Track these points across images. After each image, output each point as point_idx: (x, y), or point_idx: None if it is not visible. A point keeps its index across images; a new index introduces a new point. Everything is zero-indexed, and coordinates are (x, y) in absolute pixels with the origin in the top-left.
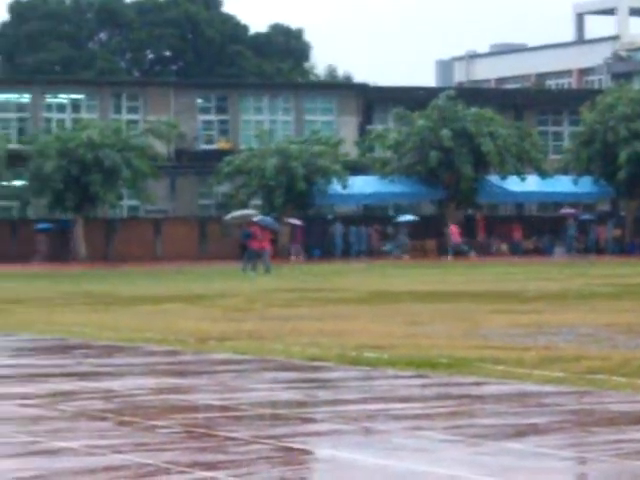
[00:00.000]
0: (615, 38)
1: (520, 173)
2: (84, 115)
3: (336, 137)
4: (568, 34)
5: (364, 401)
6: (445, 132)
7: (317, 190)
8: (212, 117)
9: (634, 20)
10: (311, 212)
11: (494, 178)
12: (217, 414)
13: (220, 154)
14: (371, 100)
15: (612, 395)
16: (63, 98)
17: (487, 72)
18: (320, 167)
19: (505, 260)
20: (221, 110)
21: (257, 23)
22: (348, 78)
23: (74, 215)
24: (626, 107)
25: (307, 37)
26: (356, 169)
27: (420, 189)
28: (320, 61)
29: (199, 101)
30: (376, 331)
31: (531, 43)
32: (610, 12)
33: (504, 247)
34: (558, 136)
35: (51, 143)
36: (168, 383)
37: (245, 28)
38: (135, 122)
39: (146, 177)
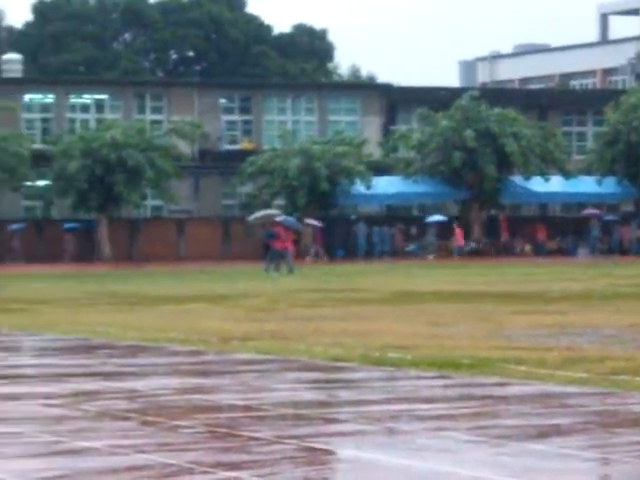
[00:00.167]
0: (639, 38)
1: (544, 173)
2: (108, 115)
3: (360, 137)
4: (592, 34)
5: (387, 401)
6: (469, 132)
7: (340, 190)
8: (236, 117)
9: None
10: (334, 212)
11: (518, 178)
12: (240, 414)
13: (243, 154)
14: (395, 100)
15: (636, 396)
16: (87, 98)
17: (511, 72)
18: (343, 167)
19: (529, 261)
20: (245, 110)
21: (281, 23)
22: (372, 78)
23: (98, 215)
24: None
25: (331, 37)
26: (379, 169)
27: (443, 189)
28: (344, 61)
29: (223, 101)
30: (399, 331)
31: (555, 43)
32: (634, 12)
33: (528, 248)
34: (582, 136)
35: (75, 143)
36: (191, 383)
37: (269, 28)
38: (159, 122)
39: (170, 177)
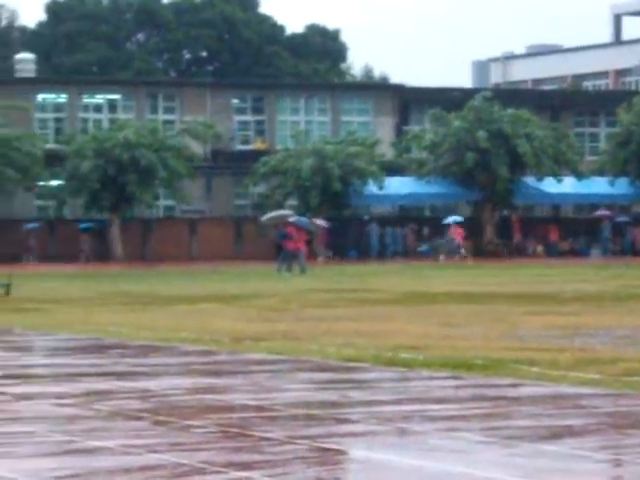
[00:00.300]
0: None
1: (556, 174)
2: (121, 115)
3: (372, 138)
4: (605, 35)
5: (399, 402)
6: (481, 133)
7: (353, 191)
8: (248, 117)
9: None
10: (347, 213)
11: (530, 179)
12: (252, 414)
13: (256, 154)
14: (407, 101)
15: None
16: (100, 98)
17: (523, 73)
18: (356, 168)
19: (541, 261)
20: (257, 111)
21: (294, 24)
22: (384, 79)
23: (110, 215)
24: None
25: (343, 38)
26: (392, 170)
27: (456, 190)
28: (356, 62)
29: (235, 101)
30: (412, 332)
31: (568, 44)
32: None
33: (540, 248)
34: (594, 137)
35: (88, 143)
36: (203, 383)
37: (282, 29)
38: (171, 122)
39: (182, 177)
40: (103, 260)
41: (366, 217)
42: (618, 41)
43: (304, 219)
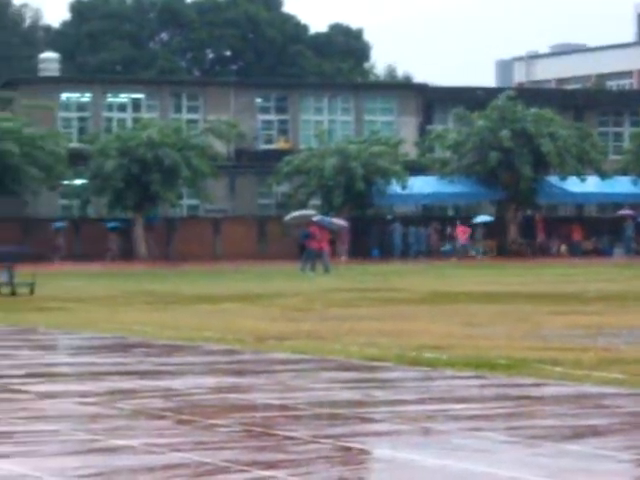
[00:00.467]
0: None
1: (580, 174)
2: (144, 114)
3: (396, 137)
4: (629, 34)
5: (423, 401)
6: (505, 132)
7: (376, 190)
8: (272, 117)
9: None
10: (370, 212)
11: (554, 179)
12: (276, 413)
13: (279, 154)
14: (431, 100)
15: None
16: (124, 97)
17: (547, 72)
18: (379, 167)
19: (564, 261)
20: (281, 110)
21: (317, 23)
22: (408, 78)
23: (134, 214)
24: None
25: (367, 37)
26: (415, 169)
27: (479, 190)
28: (380, 61)
29: (259, 101)
30: (435, 331)
31: (592, 43)
32: None
33: (563, 248)
34: (618, 137)
35: (111, 142)
36: (227, 382)
37: (305, 28)
38: (195, 122)
39: (206, 176)
40: (128, 259)
41: (389, 217)
42: None
43: (327, 218)
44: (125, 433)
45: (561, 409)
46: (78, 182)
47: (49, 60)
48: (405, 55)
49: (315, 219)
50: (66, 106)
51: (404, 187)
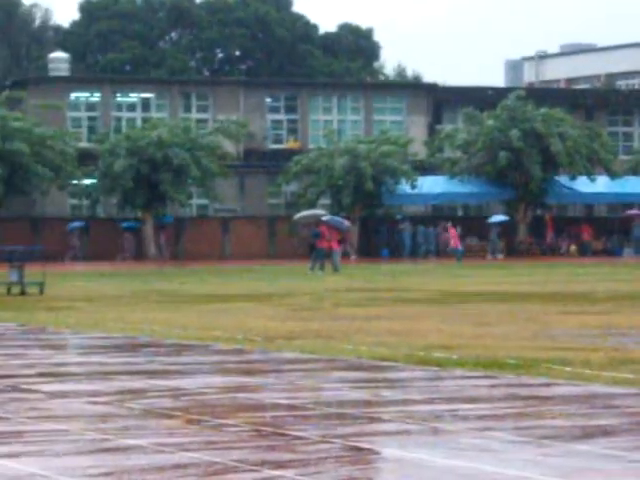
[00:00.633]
0: None
1: (590, 174)
2: (154, 114)
3: (405, 137)
4: (638, 34)
5: (432, 401)
6: (514, 132)
7: (386, 190)
8: (281, 116)
9: None
10: (379, 212)
11: (563, 179)
12: (285, 413)
13: (289, 153)
14: (440, 100)
15: None
16: (133, 97)
17: (557, 72)
18: (389, 167)
19: (574, 261)
20: (290, 109)
21: (327, 23)
22: (417, 78)
23: (143, 214)
24: None
25: (376, 37)
26: (425, 169)
27: (489, 189)
28: (389, 61)
29: (268, 100)
30: (444, 331)
31: (601, 43)
32: None
33: (573, 248)
34: (628, 137)
35: (121, 142)
36: (236, 382)
37: (315, 28)
38: (204, 121)
39: (215, 176)
40: (138, 259)
41: (399, 216)
42: None
43: (337, 218)
44: (135, 433)
45: (571, 409)
46: (87, 182)
47: (59, 60)
48: (415, 55)
49: (324, 219)
50: (75, 106)
51: (413, 187)
